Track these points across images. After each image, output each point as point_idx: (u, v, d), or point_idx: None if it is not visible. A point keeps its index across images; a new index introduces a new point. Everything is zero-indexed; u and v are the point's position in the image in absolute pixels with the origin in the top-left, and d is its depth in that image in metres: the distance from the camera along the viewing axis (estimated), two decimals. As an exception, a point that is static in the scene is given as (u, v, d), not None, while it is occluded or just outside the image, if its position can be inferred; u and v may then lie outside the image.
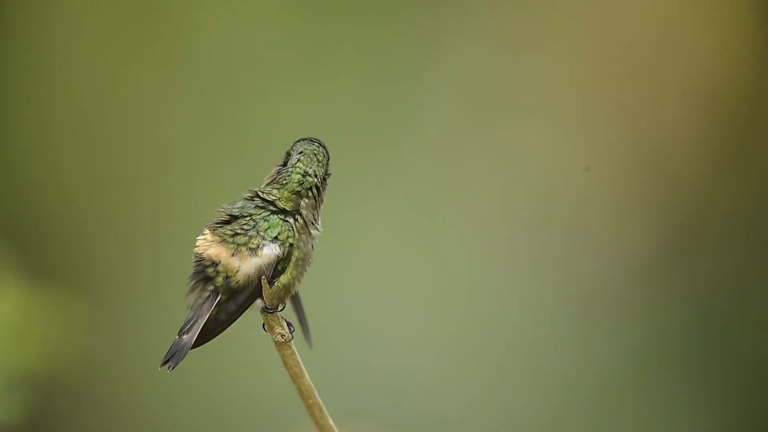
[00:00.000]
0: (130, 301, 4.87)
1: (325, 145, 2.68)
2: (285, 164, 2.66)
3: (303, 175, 2.63)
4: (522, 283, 4.89)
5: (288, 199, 2.62)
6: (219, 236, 2.58)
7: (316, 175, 2.63)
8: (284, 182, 2.63)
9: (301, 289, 2.64)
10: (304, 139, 2.67)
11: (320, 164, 2.65)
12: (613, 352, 4.83)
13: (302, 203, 2.62)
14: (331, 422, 2.55)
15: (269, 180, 2.66)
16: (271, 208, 2.61)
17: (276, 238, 2.58)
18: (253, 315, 2.62)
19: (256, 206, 2.61)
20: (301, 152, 2.65)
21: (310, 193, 2.63)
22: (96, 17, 4.91)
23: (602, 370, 4.82)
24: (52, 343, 3.78)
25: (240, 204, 2.62)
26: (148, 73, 4.93)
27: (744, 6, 4.89)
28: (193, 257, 2.59)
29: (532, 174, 4.91)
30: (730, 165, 4.89)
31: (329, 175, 2.67)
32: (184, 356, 2.54)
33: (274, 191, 2.63)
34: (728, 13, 4.88)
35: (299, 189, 2.62)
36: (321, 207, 2.65)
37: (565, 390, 4.81)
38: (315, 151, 2.65)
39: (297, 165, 2.64)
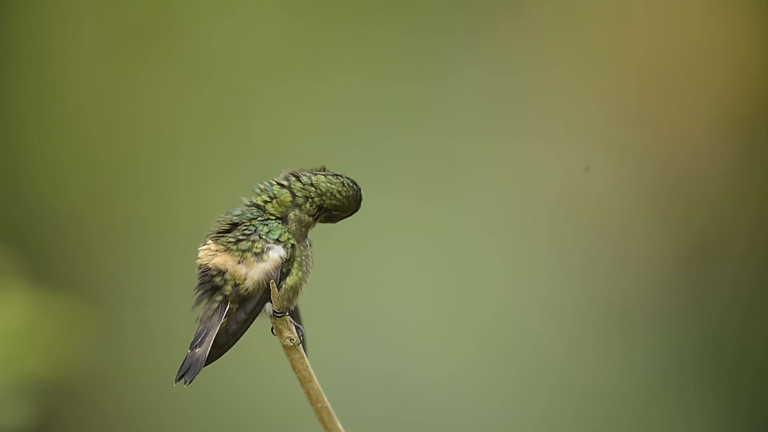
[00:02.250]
0: (136, 307, 4.87)
1: (361, 200, 2.62)
2: (319, 170, 2.64)
3: (311, 184, 2.60)
4: (541, 293, 4.88)
5: (281, 204, 2.60)
6: (222, 245, 2.56)
7: (321, 195, 2.60)
8: (295, 179, 2.61)
9: (316, 291, 2.64)
10: (351, 179, 2.63)
11: (338, 197, 2.60)
12: (631, 364, 4.82)
13: (292, 214, 2.60)
14: (340, 426, 2.55)
15: (289, 171, 2.63)
16: (267, 214, 2.60)
17: (278, 240, 2.57)
18: (259, 320, 2.61)
19: (253, 211, 2.61)
20: (336, 175, 2.62)
21: (305, 206, 2.60)
22: (97, 18, 4.92)
23: (621, 380, 4.81)
24: (59, 349, 3.78)
25: (239, 211, 2.61)
26: (150, 76, 4.93)
27: (765, 16, 4.89)
28: (196, 268, 2.58)
29: (549, 184, 4.91)
30: (752, 176, 4.89)
31: (333, 219, 2.63)
32: (200, 370, 2.51)
33: (275, 189, 2.60)
34: (749, 23, 4.88)
35: (298, 193, 2.60)
36: (307, 232, 2.61)
37: (584, 402, 4.80)
38: (347, 185, 2.61)
39: (318, 175, 2.61)
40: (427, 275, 4.89)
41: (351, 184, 2.61)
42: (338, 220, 2.65)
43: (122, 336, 4.79)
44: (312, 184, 2.60)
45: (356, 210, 2.63)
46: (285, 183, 2.61)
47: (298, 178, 2.61)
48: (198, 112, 4.94)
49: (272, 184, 2.61)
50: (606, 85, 4.97)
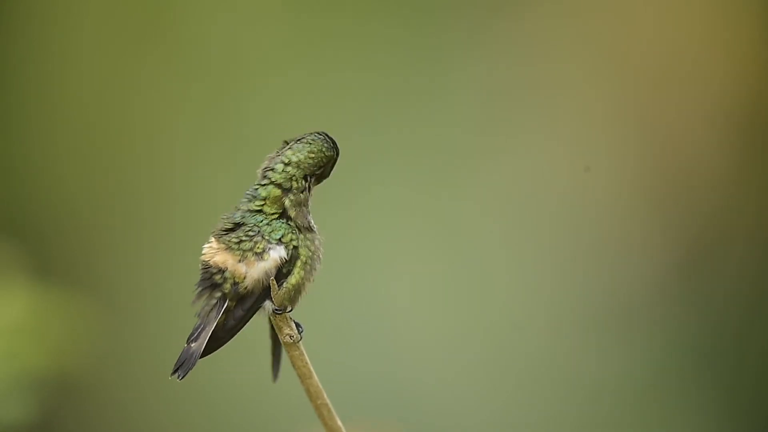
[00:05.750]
0: (136, 303, 4.87)
1: (334, 142, 2.60)
2: (284, 146, 2.60)
3: (285, 164, 2.58)
4: (542, 293, 4.88)
5: (274, 200, 2.58)
6: (224, 244, 2.56)
7: (298, 166, 2.58)
8: (270, 171, 2.58)
9: (315, 287, 2.63)
10: (313, 132, 2.61)
11: (312, 156, 2.59)
12: (632, 362, 4.82)
13: (287, 201, 2.58)
14: (339, 423, 2.55)
15: (263, 169, 2.60)
16: (269, 216, 2.59)
17: (280, 240, 2.56)
18: (259, 316, 2.61)
19: (256, 217, 2.60)
20: (298, 140, 2.60)
21: (293, 187, 2.58)
22: (97, 18, 4.92)
23: (622, 379, 4.81)
24: (60, 345, 3.79)
25: (240, 213, 2.59)
26: (149, 74, 4.93)
27: (767, 16, 4.89)
28: (199, 265, 2.58)
29: (549, 184, 4.91)
30: (752, 176, 4.89)
31: (324, 176, 2.62)
32: (194, 365, 2.51)
33: (261, 192, 2.59)
34: (751, 23, 4.88)
35: (281, 180, 2.57)
36: (308, 207, 2.59)
37: (585, 402, 4.81)
38: (311, 141, 2.59)
39: (285, 152, 2.58)
40: (427, 272, 4.89)
41: (315, 138, 2.58)
42: (330, 173, 2.61)
43: (123, 332, 4.80)
44: (287, 164, 2.57)
45: (336, 155, 2.60)
46: (265, 181, 2.58)
47: (272, 169, 2.58)
48: (197, 109, 4.95)
49: (256, 188, 2.59)
50: (607, 85, 4.97)
